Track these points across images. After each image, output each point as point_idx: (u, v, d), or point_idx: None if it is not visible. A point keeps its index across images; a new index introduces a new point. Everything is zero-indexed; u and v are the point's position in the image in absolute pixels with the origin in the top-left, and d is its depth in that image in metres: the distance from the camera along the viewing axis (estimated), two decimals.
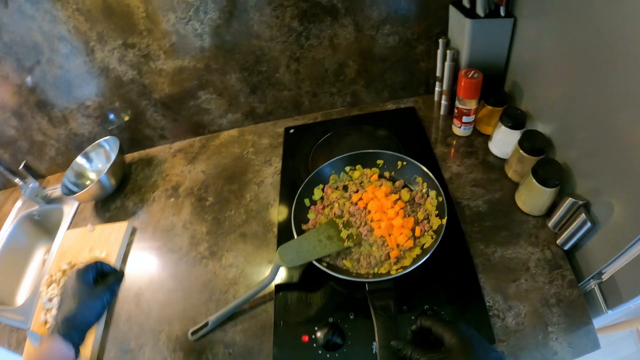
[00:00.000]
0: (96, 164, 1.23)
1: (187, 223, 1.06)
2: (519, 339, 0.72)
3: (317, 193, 0.98)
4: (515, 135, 0.93)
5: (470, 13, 0.93)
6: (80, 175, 1.21)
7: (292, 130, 1.23)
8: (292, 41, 1.06)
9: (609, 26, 0.64)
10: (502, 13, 0.91)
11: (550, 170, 0.81)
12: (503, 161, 0.99)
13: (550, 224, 0.85)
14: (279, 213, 1.01)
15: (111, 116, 1.20)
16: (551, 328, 0.73)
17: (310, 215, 0.94)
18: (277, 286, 0.86)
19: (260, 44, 1.06)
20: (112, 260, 0.99)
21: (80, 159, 1.20)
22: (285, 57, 1.10)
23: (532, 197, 0.86)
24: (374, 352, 0.73)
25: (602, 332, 0.73)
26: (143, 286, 0.95)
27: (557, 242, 0.83)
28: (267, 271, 0.88)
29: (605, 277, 0.75)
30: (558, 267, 0.80)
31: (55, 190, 1.26)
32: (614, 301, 0.75)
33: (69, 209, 1.19)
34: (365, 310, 0.77)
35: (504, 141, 0.97)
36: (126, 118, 1.20)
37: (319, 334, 0.76)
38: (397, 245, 0.84)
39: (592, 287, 0.78)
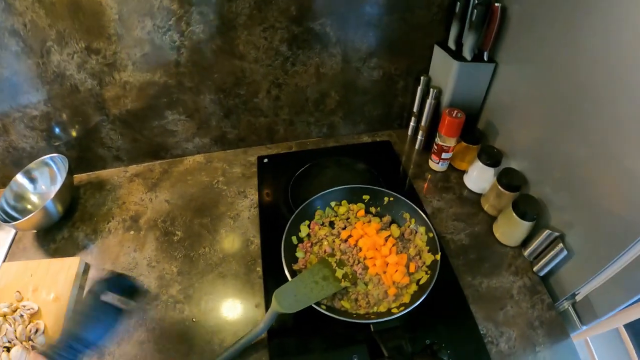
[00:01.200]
0: (40, 186, 1.01)
1: (152, 261, 0.91)
2: None
3: (303, 230, 0.93)
4: (491, 172, 1.01)
5: (455, 55, 0.99)
6: (21, 197, 0.99)
7: (266, 160, 1.16)
8: (278, 66, 1.01)
9: (581, 78, 0.75)
10: (485, 58, 0.98)
11: (528, 205, 0.89)
12: (478, 195, 1.06)
13: (526, 253, 0.92)
14: (262, 251, 0.93)
15: (58, 130, 1.00)
16: (538, 348, 0.79)
17: (299, 254, 0.89)
18: (270, 333, 0.78)
19: (242, 65, 0.99)
20: (63, 304, 0.81)
21: (21, 178, 0.98)
22: (267, 82, 1.04)
23: (511, 230, 0.93)
24: None
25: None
26: (106, 338, 0.78)
27: (534, 269, 0.90)
28: (255, 316, 0.82)
29: (578, 297, 0.84)
30: (537, 292, 0.88)
31: None
32: (587, 318, 0.84)
33: (4, 235, 0.96)
34: (368, 351, 0.75)
35: (480, 177, 1.04)
36: (74, 134, 1.02)
37: None
38: (393, 283, 0.84)
39: (566, 307, 0.87)
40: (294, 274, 0.82)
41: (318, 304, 0.77)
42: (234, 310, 0.83)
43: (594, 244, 0.77)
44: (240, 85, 1.03)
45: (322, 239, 0.91)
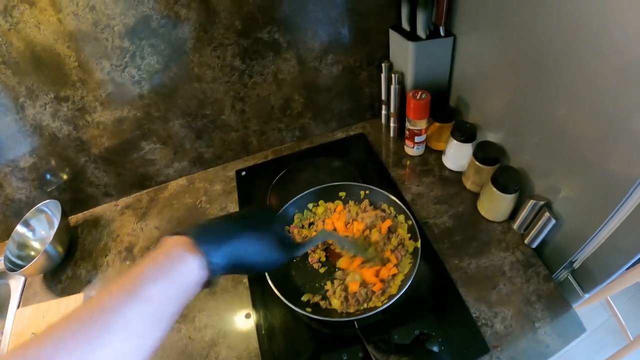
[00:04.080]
0: (39, 232, 1.09)
1: None
2: (511, 341, 0.74)
3: None
4: (468, 148, 0.98)
5: (411, 35, 0.97)
6: (23, 246, 1.07)
7: (243, 173, 1.19)
8: (235, 80, 1.03)
9: (542, 35, 0.71)
10: (442, 33, 0.95)
11: (508, 177, 0.86)
12: (459, 174, 1.03)
13: (515, 226, 0.89)
14: None
15: (48, 177, 1.08)
16: (538, 324, 0.76)
17: None
18: (260, 340, 0.81)
19: (202, 87, 1.02)
20: None
21: (20, 228, 1.06)
22: (229, 98, 1.07)
23: (494, 205, 0.90)
24: None
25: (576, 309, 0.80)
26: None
27: (525, 242, 0.87)
28: (246, 325, 0.84)
29: (576, 265, 0.81)
30: (531, 265, 0.84)
31: None
32: (589, 285, 0.80)
33: (15, 283, 1.04)
34: (356, 348, 0.75)
35: (457, 155, 1.01)
36: (65, 177, 1.09)
37: None
38: (377, 278, 0.82)
39: (566, 276, 0.84)
40: (274, 279, 0.83)
41: (303, 307, 0.78)
42: (226, 323, 0.86)
43: (584, 207, 0.73)
44: (204, 106, 1.06)
45: (304, 238, 0.92)
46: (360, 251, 0.84)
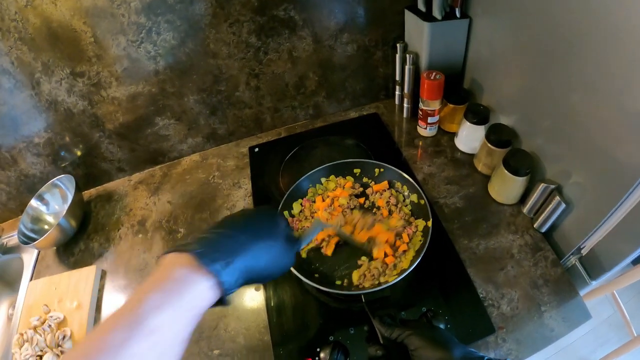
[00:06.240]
0: (53, 206, 1.12)
1: None
2: (517, 323, 0.75)
3: (296, 207, 0.95)
4: (481, 130, 0.97)
5: (426, 16, 0.96)
6: (37, 219, 1.09)
7: (257, 149, 1.20)
8: (251, 57, 1.04)
9: (557, 19, 0.70)
10: (458, 14, 0.95)
11: (520, 160, 0.86)
12: (471, 156, 1.03)
13: (525, 209, 0.89)
14: None
15: (63, 152, 1.09)
16: (544, 307, 0.77)
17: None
18: (269, 313, 0.82)
19: (217, 63, 1.02)
20: (85, 310, 0.89)
21: (34, 202, 1.08)
22: (244, 74, 1.07)
23: (505, 187, 0.90)
24: None
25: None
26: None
27: (534, 225, 0.87)
28: (255, 298, 0.86)
29: (584, 251, 0.81)
30: (539, 249, 0.85)
31: (11, 239, 1.13)
32: (596, 272, 0.80)
33: (29, 257, 1.07)
34: (364, 323, 0.76)
35: (470, 137, 1.01)
36: (79, 153, 1.11)
37: (322, 355, 0.73)
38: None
39: (574, 262, 0.84)
40: None
41: (312, 278, 0.79)
42: (235, 295, 0.86)
43: (594, 193, 0.73)
44: (219, 82, 1.07)
45: (313, 212, 0.94)
46: (352, 240, 0.85)
